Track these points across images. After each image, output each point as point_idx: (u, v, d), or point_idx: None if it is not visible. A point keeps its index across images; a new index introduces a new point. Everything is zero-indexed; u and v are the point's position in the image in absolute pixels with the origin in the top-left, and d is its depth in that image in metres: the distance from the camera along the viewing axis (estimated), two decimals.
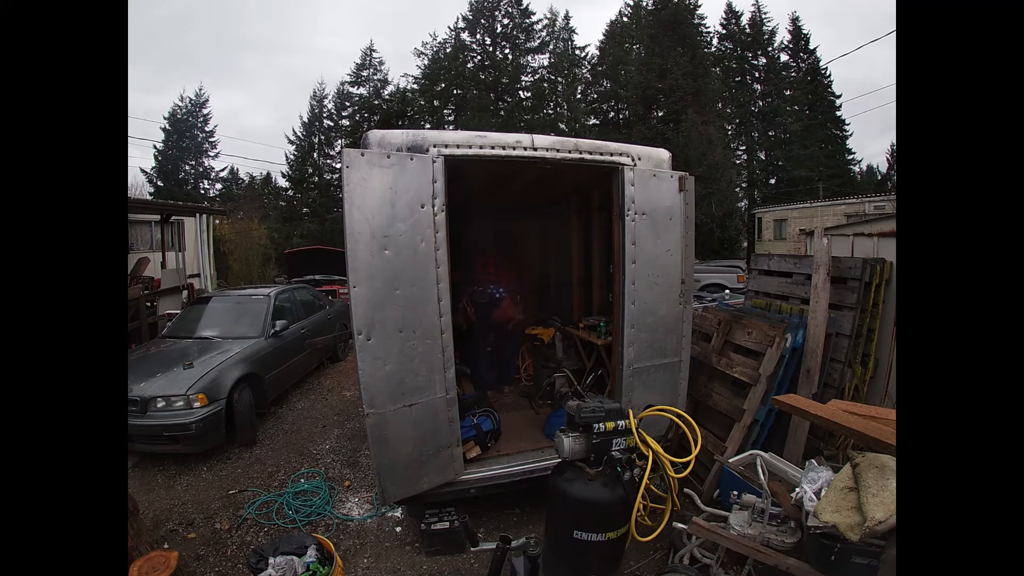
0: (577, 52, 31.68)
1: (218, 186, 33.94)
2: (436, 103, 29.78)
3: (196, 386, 4.26)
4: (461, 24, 30.61)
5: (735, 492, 2.64)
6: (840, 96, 30.97)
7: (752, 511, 2.47)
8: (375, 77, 30.51)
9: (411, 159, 2.74)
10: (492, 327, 5.03)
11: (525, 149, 3.07)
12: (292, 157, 29.59)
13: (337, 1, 53.17)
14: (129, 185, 25.33)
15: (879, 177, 32.70)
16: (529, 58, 30.95)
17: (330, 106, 30.52)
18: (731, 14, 32.18)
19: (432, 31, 41.53)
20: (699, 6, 31.31)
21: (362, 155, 2.64)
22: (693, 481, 3.23)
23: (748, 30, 32.01)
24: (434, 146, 2.83)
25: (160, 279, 9.48)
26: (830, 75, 30.91)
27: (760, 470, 2.67)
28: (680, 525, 2.60)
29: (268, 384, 5.24)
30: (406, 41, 69.53)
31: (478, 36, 30.67)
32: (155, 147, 30.64)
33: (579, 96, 30.61)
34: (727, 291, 10.60)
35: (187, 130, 32.11)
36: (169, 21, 49.15)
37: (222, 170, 33.67)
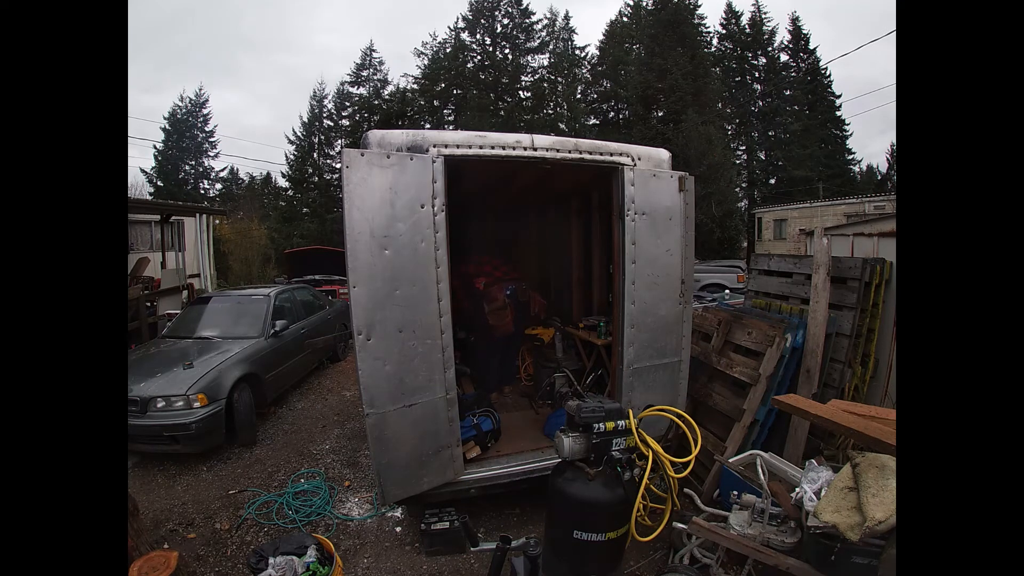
0: (577, 52, 31.66)
1: (218, 186, 34.04)
2: (436, 103, 29.75)
3: (196, 386, 4.26)
4: (461, 24, 30.61)
5: (735, 492, 2.64)
6: (840, 96, 31.04)
7: (752, 511, 2.47)
8: (375, 77, 30.52)
9: (411, 159, 2.74)
10: (521, 324, 4.92)
11: (525, 149, 3.07)
12: (292, 157, 29.59)
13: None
14: (129, 185, 25.36)
15: (879, 177, 32.70)
16: (529, 58, 30.91)
17: (330, 106, 30.55)
18: (731, 14, 32.17)
19: (432, 31, 41.64)
20: (699, 6, 31.28)
21: (362, 155, 2.63)
22: (693, 481, 3.23)
23: (748, 30, 31.98)
24: (434, 146, 2.83)
25: (160, 279, 9.48)
26: (830, 75, 30.96)
27: (760, 470, 2.67)
28: (680, 525, 2.60)
29: (268, 384, 5.24)
30: (405, 41, 69.78)
31: (478, 36, 30.63)
32: (155, 147, 30.71)
33: (579, 96, 30.57)
34: (727, 291, 10.58)
35: (187, 130, 32.12)
36: (166, 19, 49.23)
37: (222, 170, 33.78)
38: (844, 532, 1.92)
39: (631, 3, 32.68)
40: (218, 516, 3.52)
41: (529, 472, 3.25)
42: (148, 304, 8.21)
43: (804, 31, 31.42)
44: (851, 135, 31.54)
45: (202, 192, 32.54)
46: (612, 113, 31.38)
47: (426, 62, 30.15)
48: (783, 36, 31.81)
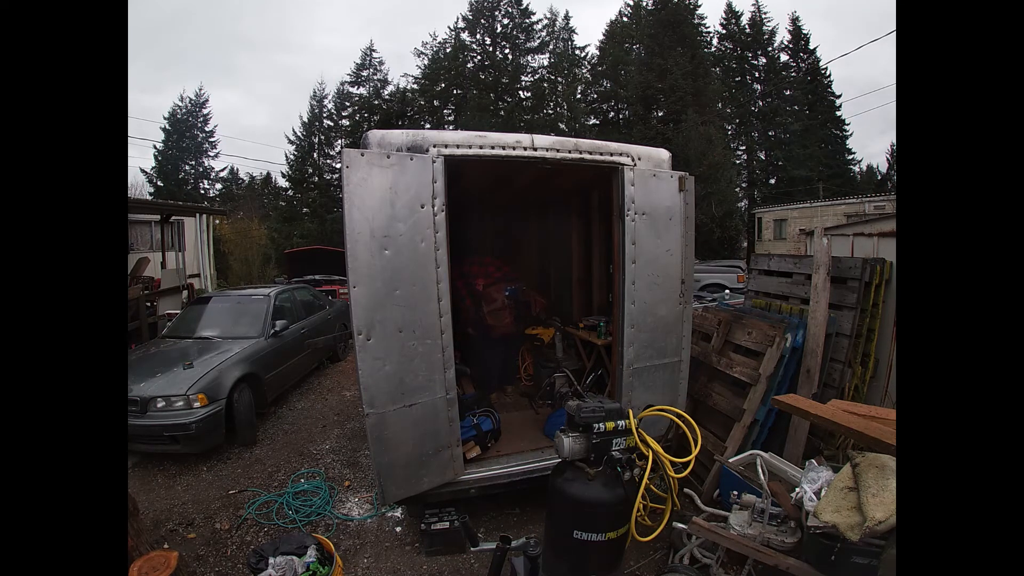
0: (577, 52, 31.67)
1: (218, 186, 33.99)
2: (436, 103, 29.77)
3: (196, 386, 4.26)
4: (461, 24, 30.64)
5: (735, 492, 2.64)
6: (840, 96, 31.09)
7: (752, 511, 2.47)
8: (375, 77, 30.52)
9: (411, 159, 2.74)
10: (522, 325, 4.97)
11: (525, 149, 3.07)
12: (292, 157, 29.62)
13: None
14: (129, 185, 25.36)
15: (879, 177, 32.69)
16: (529, 58, 30.94)
17: (330, 106, 30.57)
18: (731, 14, 32.17)
19: (432, 31, 41.63)
20: (699, 6, 31.32)
21: (362, 155, 2.63)
22: (693, 481, 3.23)
23: (748, 30, 31.98)
24: (434, 146, 2.83)
25: (160, 279, 9.48)
26: (830, 75, 31.00)
27: (760, 470, 2.67)
28: (680, 525, 2.60)
29: (268, 384, 5.24)
30: (405, 41, 69.76)
31: (478, 36, 30.65)
32: (155, 147, 30.68)
33: (579, 96, 30.56)
34: (727, 291, 10.58)
35: (187, 130, 32.09)
36: (166, 19, 49.13)
37: (222, 170, 33.73)
38: (844, 532, 1.92)
39: (631, 3, 32.69)
40: (218, 516, 3.52)
41: (529, 472, 3.25)
42: (148, 304, 8.21)
43: (804, 31, 31.48)
44: (851, 135, 31.63)
45: (202, 192, 32.51)
46: (612, 113, 31.37)
47: (426, 62, 30.20)
48: (783, 36, 31.88)
